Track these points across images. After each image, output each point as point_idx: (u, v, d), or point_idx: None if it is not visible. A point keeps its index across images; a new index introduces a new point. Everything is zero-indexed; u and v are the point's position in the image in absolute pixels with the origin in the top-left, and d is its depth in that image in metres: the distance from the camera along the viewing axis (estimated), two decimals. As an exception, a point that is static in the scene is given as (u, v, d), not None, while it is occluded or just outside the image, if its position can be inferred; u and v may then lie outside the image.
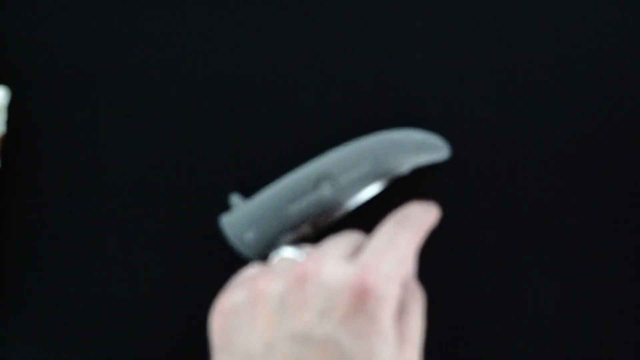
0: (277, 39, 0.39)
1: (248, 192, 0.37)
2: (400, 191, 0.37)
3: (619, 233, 0.37)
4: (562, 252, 0.37)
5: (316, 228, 0.36)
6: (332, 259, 0.30)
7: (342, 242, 0.31)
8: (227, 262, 0.37)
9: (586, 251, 0.37)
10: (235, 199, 0.36)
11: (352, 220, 0.37)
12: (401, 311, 0.30)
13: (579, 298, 0.36)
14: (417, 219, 0.33)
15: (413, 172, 0.37)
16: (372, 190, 0.36)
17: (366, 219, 0.37)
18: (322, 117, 0.38)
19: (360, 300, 0.28)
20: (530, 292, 0.37)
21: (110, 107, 0.39)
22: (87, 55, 0.39)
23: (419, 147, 0.36)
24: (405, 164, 0.36)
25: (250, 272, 0.32)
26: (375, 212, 0.37)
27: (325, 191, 0.36)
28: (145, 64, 0.39)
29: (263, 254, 0.36)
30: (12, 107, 0.39)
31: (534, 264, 0.37)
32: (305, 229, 0.36)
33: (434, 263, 0.37)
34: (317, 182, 0.36)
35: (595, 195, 0.37)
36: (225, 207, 0.37)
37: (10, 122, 0.39)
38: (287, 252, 0.32)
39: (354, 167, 0.36)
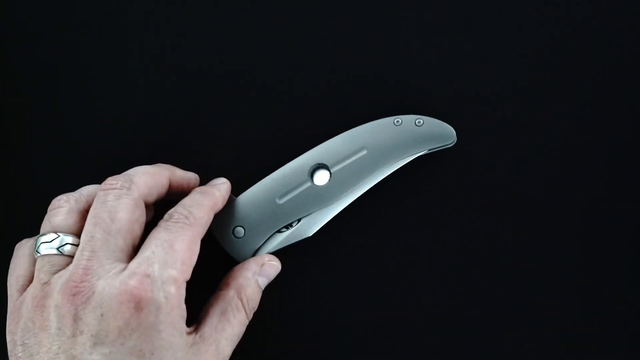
0: (272, 31, 0.38)
1: (241, 189, 0.35)
2: (402, 181, 0.35)
3: (626, 229, 0.35)
4: (568, 246, 0.35)
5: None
6: (103, 266, 0.28)
7: (118, 234, 0.29)
8: (220, 260, 0.35)
9: (593, 245, 0.35)
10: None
11: (352, 215, 0.35)
12: (222, 313, 0.30)
13: (585, 294, 0.35)
14: (197, 216, 0.30)
15: (417, 166, 0.35)
16: (372, 180, 0.34)
17: (367, 212, 0.35)
18: (322, 108, 0.37)
19: (135, 311, 0.26)
20: (534, 286, 0.35)
21: (107, 107, 0.37)
22: (82, 58, 0.38)
23: (424, 134, 0.34)
24: (408, 152, 0.34)
25: (30, 291, 0.29)
26: (376, 204, 0.35)
27: (321, 182, 0.33)
28: (141, 62, 0.38)
29: (252, 252, 0.33)
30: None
31: (537, 253, 0.35)
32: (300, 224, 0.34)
33: (436, 254, 0.35)
34: (312, 172, 0.34)
35: (603, 187, 0.36)
36: None
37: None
38: (49, 243, 0.29)
39: (351, 155, 0.34)
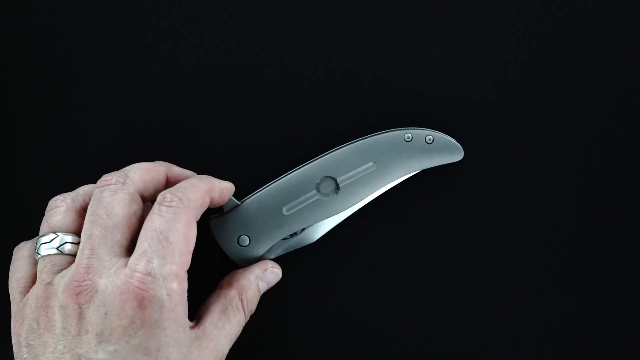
0: (278, 34, 0.36)
1: (243, 190, 0.35)
2: (404, 185, 0.35)
3: (631, 236, 0.36)
4: (573, 255, 0.36)
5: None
6: (103, 263, 0.28)
7: (116, 229, 0.29)
8: (224, 267, 0.35)
9: (598, 255, 0.36)
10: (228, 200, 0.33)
11: (354, 219, 0.35)
12: (222, 310, 0.31)
13: (586, 295, 0.36)
14: (191, 197, 0.29)
15: (421, 172, 0.35)
16: (377, 192, 0.34)
17: (370, 223, 0.35)
18: (328, 117, 0.36)
19: (138, 308, 0.27)
20: (537, 294, 0.36)
21: (107, 109, 0.36)
22: (82, 58, 0.36)
23: (433, 151, 0.34)
24: (416, 167, 0.34)
25: (34, 292, 0.29)
26: (379, 208, 0.35)
27: (328, 194, 0.33)
28: (141, 63, 0.36)
29: (256, 260, 0.34)
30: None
31: (543, 266, 0.36)
32: (304, 233, 0.34)
33: (442, 264, 0.36)
34: (318, 183, 0.33)
35: (609, 197, 0.36)
36: (219, 209, 0.35)
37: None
38: (48, 243, 0.29)
39: (360, 169, 0.33)
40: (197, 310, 0.32)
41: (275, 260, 0.35)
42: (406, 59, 0.36)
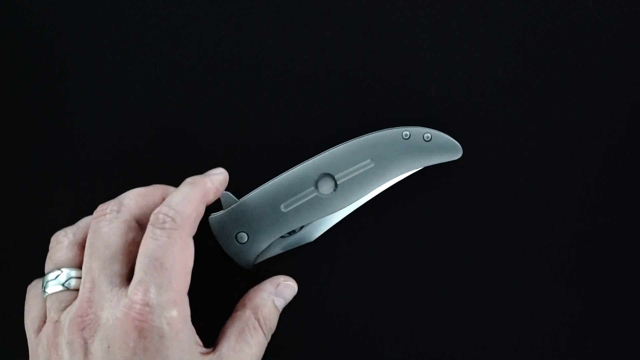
0: (278, 34, 0.36)
1: (243, 190, 0.35)
2: (404, 184, 0.35)
3: (631, 236, 0.36)
4: (573, 255, 0.36)
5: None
6: (104, 295, 0.28)
7: (114, 260, 0.29)
8: (222, 264, 0.35)
9: (598, 255, 0.36)
10: (226, 197, 0.33)
11: (353, 218, 0.35)
12: (239, 333, 0.30)
13: (590, 303, 0.36)
14: (184, 214, 0.29)
15: (420, 172, 0.35)
16: (376, 190, 0.34)
17: (370, 222, 0.35)
18: (328, 117, 0.36)
19: (139, 340, 0.27)
20: (537, 294, 0.36)
21: (107, 109, 0.36)
22: (79, 59, 0.36)
23: (432, 149, 0.34)
24: (415, 166, 0.34)
25: (45, 331, 0.29)
26: (379, 207, 0.35)
27: (327, 191, 0.33)
28: (141, 63, 0.36)
29: (254, 258, 0.34)
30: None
31: (543, 266, 0.36)
32: (302, 231, 0.34)
33: (441, 264, 0.36)
34: (317, 181, 0.33)
35: (609, 197, 0.36)
36: (218, 206, 0.35)
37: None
38: (54, 280, 0.30)
39: (358, 166, 0.33)
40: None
41: (275, 259, 0.35)
42: (406, 59, 0.36)
